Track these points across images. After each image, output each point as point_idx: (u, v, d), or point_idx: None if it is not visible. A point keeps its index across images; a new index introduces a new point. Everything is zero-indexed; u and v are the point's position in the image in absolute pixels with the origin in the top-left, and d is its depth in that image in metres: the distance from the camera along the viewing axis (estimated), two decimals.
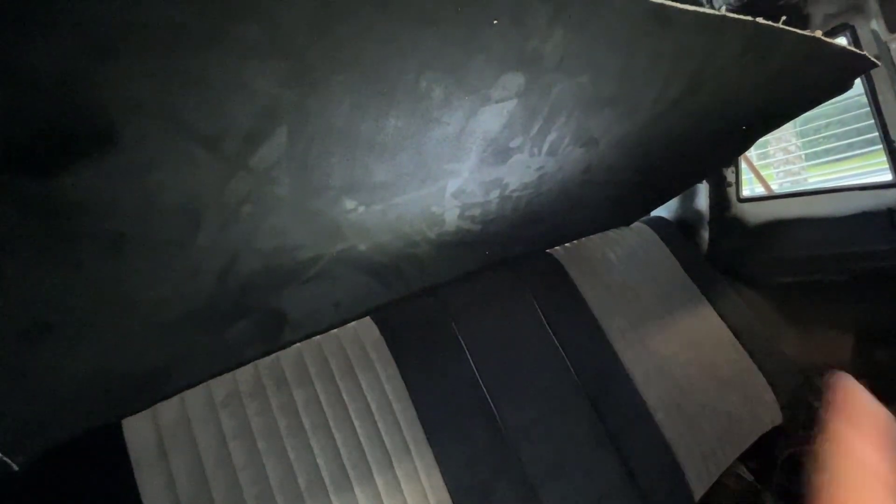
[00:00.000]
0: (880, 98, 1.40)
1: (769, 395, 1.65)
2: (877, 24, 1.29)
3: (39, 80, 0.38)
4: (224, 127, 0.50)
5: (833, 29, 1.37)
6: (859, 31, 1.36)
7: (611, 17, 0.61)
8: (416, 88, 0.57)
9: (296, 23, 0.43)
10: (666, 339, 1.62)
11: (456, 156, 0.74)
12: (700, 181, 1.91)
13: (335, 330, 1.22)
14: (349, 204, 0.77)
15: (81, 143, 0.45)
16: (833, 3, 1.29)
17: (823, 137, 3.17)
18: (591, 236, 1.80)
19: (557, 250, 1.70)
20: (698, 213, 2.01)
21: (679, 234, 1.99)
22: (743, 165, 2.61)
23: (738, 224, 1.94)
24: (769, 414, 1.63)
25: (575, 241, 1.76)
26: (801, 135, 3.48)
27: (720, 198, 1.94)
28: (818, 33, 0.96)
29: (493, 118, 0.69)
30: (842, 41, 1.39)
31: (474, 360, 1.28)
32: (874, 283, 1.59)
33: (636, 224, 1.95)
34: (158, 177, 0.51)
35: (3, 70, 0.36)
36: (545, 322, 1.46)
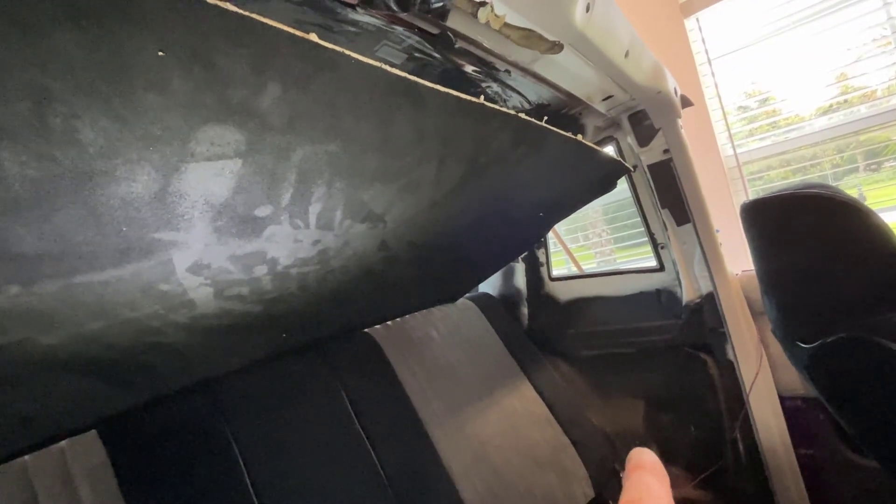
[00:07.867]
0: (640, 199, 1.69)
1: (581, 470, 1.69)
2: (631, 140, 1.57)
3: None
4: None
5: (601, 140, 1.63)
6: (621, 143, 1.64)
7: (346, 82, 0.55)
8: (43, 125, 0.41)
9: None
10: (485, 421, 1.57)
11: (169, 223, 0.58)
12: (513, 259, 2.03)
13: (41, 451, 0.87)
14: None
15: None
16: (600, 117, 1.54)
17: (624, 225, 3.90)
18: (415, 314, 1.74)
19: (377, 329, 1.58)
20: (518, 290, 2.13)
21: (502, 310, 2.06)
22: (559, 247, 2.92)
23: (551, 301, 2.10)
24: (582, 488, 1.66)
25: (398, 319, 1.67)
26: (610, 222, 4.30)
27: (535, 276, 2.10)
28: (579, 137, 1.09)
29: (211, 179, 0.56)
30: (609, 150, 1.66)
31: (250, 469, 1.03)
32: (652, 355, 1.81)
33: (462, 301, 1.97)
34: None
35: None
36: (353, 413, 1.28)
